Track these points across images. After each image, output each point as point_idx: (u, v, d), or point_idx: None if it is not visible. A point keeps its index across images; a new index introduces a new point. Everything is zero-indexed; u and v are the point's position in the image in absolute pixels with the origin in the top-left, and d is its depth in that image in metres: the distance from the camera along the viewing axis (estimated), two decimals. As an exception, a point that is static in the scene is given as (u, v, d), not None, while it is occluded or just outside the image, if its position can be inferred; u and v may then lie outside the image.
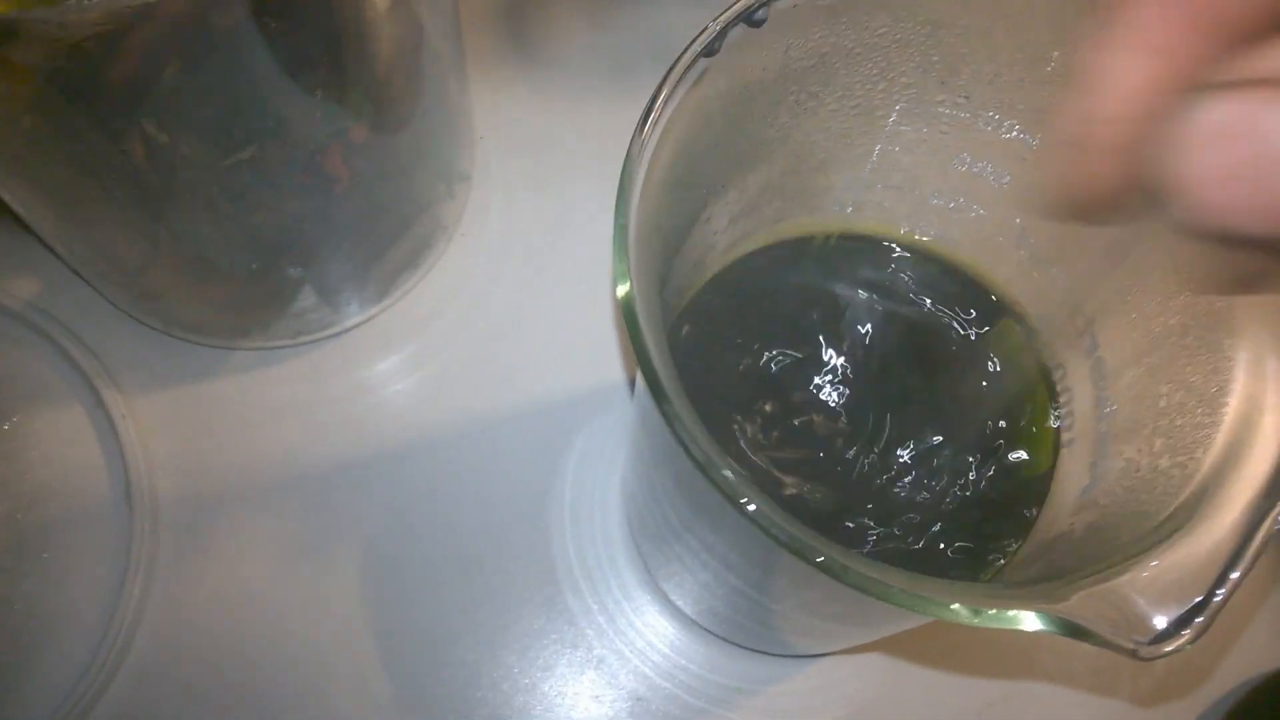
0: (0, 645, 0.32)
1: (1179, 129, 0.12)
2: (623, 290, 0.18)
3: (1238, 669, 0.33)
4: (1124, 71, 0.13)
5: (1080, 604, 0.16)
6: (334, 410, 0.36)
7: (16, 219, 0.37)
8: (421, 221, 0.36)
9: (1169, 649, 0.16)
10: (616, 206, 0.19)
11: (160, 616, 0.33)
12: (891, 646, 0.33)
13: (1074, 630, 0.16)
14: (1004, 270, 0.27)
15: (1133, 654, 0.16)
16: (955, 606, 0.15)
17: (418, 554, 0.34)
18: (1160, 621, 0.16)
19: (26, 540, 0.34)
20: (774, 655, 0.33)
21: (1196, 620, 0.16)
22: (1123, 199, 0.14)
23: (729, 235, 0.26)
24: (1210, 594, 0.16)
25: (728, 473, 0.16)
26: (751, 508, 0.16)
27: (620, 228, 0.19)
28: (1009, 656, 0.34)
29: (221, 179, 0.30)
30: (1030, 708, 0.33)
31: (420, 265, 0.37)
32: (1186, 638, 0.16)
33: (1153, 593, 0.17)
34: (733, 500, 0.16)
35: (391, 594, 0.34)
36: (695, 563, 0.25)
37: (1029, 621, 0.15)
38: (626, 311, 0.18)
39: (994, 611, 0.15)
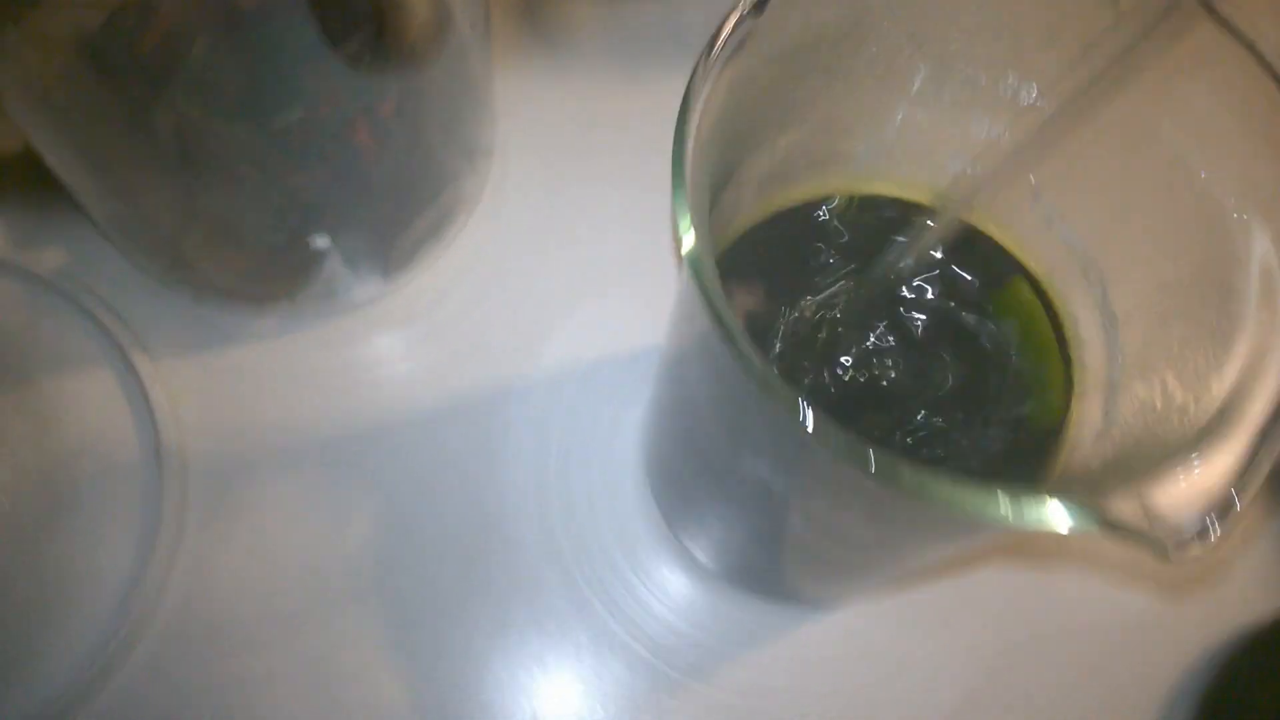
0: (34, 599, 0.33)
1: None
2: (689, 242, 0.19)
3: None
4: None
5: (1112, 508, 0.18)
6: (357, 376, 0.37)
7: (45, 190, 0.38)
8: (445, 194, 0.37)
9: (1195, 551, 0.18)
10: (674, 164, 0.20)
11: (190, 571, 0.34)
12: (909, 600, 0.35)
13: (1110, 527, 0.17)
14: (1018, 230, 0.28)
15: (1163, 554, 0.17)
16: (999, 500, 0.16)
17: (437, 517, 0.35)
18: (1186, 527, 0.18)
19: (59, 498, 0.34)
20: (794, 609, 0.34)
21: (1218, 527, 0.18)
22: None
23: (756, 195, 0.27)
24: (1230, 503, 0.18)
25: (796, 397, 0.18)
26: (810, 423, 0.17)
27: (680, 184, 0.20)
28: (1020, 609, 0.35)
29: (251, 151, 0.31)
30: (1041, 660, 0.34)
31: (443, 237, 0.38)
32: (1210, 540, 0.18)
33: (1177, 502, 0.18)
34: (794, 416, 0.17)
35: (411, 555, 0.35)
36: (730, 506, 0.27)
37: (1067, 517, 0.17)
38: (692, 260, 0.19)
39: (1034, 506, 0.17)
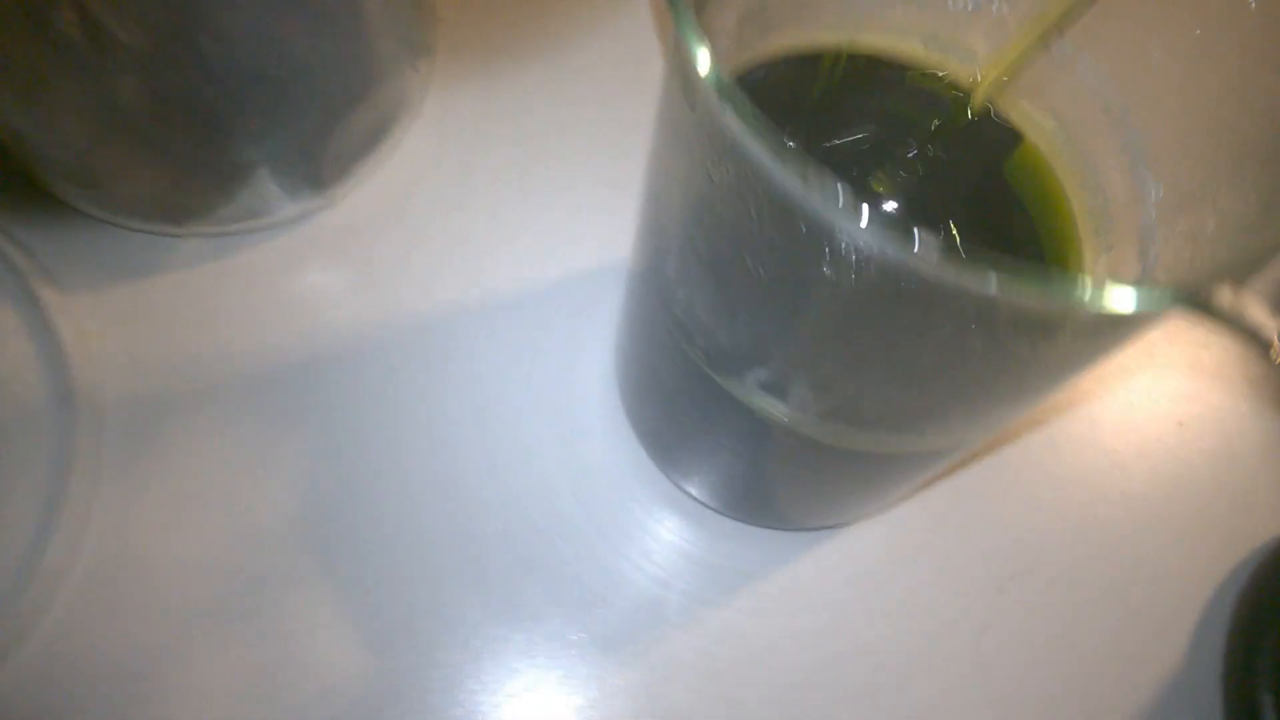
0: (-72, 560, 0.29)
1: None
2: (706, 66, 0.16)
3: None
4: None
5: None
6: (289, 305, 0.33)
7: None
8: (381, 91, 0.33)
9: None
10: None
11: (104, 528, 0.30)
12: (909, 522, 0.32)
13: (1214, 312, 0.14)
14: (1029, 77, 0.25)
15: (1268, 350, 0.14)
16: (1077, 281, 0.13)
17: (383, 463, 0.31)
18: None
19: (-47, 448, 0.30)
20: (788, 532, 0.31)
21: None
22: None
23: (736, 40, 0.24)
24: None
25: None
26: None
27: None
28: (1029, 524, 0.32)
29: (165, 43, 0.27)
30: (1047, 583, 0.31)
31: (381, 145, 0.35)
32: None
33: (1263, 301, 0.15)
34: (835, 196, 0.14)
35: (348, 499, 0.31)
36: (715, 413, 0.23)
37: (1162, 301, 0.14)
38: (714, 78, 0.16)
39: (1123, 288, 0.13)
